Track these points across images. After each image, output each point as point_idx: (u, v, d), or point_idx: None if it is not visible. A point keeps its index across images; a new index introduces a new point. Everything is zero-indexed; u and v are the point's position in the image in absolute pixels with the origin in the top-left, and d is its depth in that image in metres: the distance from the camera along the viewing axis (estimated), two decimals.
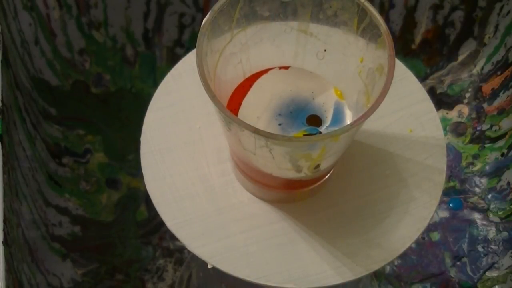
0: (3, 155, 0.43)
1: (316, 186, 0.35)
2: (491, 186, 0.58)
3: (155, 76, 0.61)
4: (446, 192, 0.59)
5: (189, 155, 0.37)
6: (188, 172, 0.36)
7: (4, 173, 0.43)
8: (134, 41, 0.60)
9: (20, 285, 0.45)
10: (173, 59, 0.58)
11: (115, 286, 0.56)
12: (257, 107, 0.34)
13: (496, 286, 0.55)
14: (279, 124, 0.33)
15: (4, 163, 0.43)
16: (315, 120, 0.34)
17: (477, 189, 0.59)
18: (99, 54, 0.60)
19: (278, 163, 0.31)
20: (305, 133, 0.33)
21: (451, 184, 0.59)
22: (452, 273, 0.56)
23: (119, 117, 0.61)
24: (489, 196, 0.58)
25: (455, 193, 0.59)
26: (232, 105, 0.34)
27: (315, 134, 0.33)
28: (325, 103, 0.34)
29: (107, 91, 0.61)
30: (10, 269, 0.41)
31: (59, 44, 0.58)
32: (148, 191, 0.36)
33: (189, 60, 0.39)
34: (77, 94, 0.60)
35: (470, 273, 0.56)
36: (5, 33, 0.51)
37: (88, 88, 0.60)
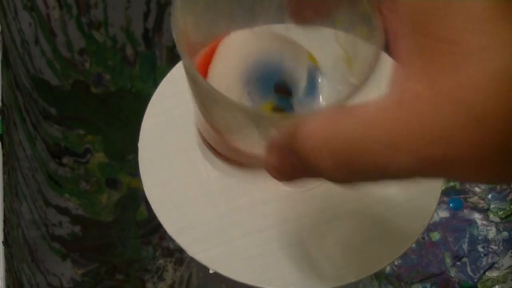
0: (3, 155, 0.43)
1: None
2: (491, 186, 0.58)
3: (155, 76, 0.61)
4: (446, 192, 0.59)
5: (187, 160, 0.36)
6: (187, 177, 0.36)
7: (4, 173, 0.43)
8: (134, 41, 0.60)
9: (20, 285, 0.45)
10: (173, 59, 0.58)
11: (115, 286, 0.56)
12: (225, 77, 0.31)
13: (496, 286, 0.55)
14: (248, 93, 0.30)
15: (4, 163, 0.43)
16: (284, 89, 0.30)
17: (477, 189, 0.59)
18: (99, 54, 0.60)
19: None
20: (272, 105, 0.30)
21: (451, 184, 0.59)
22: (452, 273, 0.56)
23: (119, 117, 0.61)
24: (489, 196, 0.58)
25: (455, 193, 0.59)
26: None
27: (284, 107, 0.30)
28: (297, 69, 0.31)
29: (107, 91, 0.60)
30: (10, 269, 0.41)
31: (59, 44, 0.58)
32: (147, 197, 0.35)
33: None
34: (77, 94, 0.60)
35: (470, 273, 0.56)
36: (5, 33, 0.51)
37: (88, 88, 0.60)
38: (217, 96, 0.24)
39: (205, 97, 0.26)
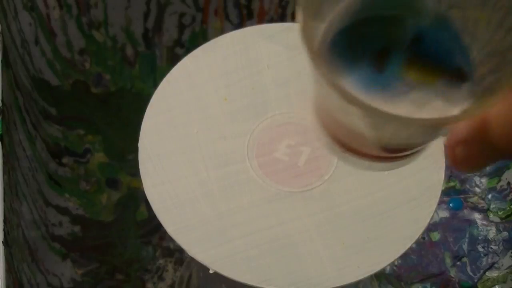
0: (3, 155, 0.43)
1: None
2: (491, 186, 0.58)
3: (155, 76, 0.61)
4: (446, 192, 0.59)
5: (187, 160, 0.37)
6: (187, 177, 0.36)
7: (4, 173, 0.43)
8: (134, 41, 0.60)
9: (20, 285, 0.45)
10: (173, 59, 0.58)
11: (115, 286, 0.56)
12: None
13: (496, 286, 0.55)
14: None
15: (4, 163, 0.43)
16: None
17: (477, 189, 0.59)
18: (99, 54, 0.59)
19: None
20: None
21: (451, 184, 0.59)
22: (452, 273, 0.56)
23: (119, 117, 0.61)
24: (489, 196, 0.58)
25: (455, 193, 0.59)
26: None
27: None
28: None
29: (107, 91, 0.60)
30: (10, 269, 0.41)
31: (59, 44, 0.58)
32: (148, 197, 0.35)
33: (184, 65, 0.39)
34: (77, 94, 0.60)
35: (470, 273, 0.56)
36: (5, 33, 0.51)
37: (88, 88, 0.60)
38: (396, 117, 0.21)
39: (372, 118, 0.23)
